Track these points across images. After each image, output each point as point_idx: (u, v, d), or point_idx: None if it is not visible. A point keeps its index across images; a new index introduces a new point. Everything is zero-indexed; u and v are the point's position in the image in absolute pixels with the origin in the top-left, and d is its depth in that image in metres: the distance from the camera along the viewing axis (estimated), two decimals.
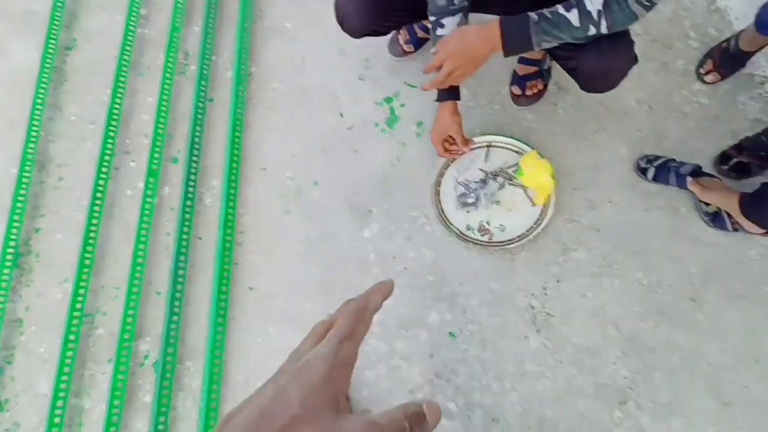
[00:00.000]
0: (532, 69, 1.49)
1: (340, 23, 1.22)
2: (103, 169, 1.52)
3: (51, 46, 1.66)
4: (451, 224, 1.43)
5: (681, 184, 1.36)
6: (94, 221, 1.48)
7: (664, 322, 1.32)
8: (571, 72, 1.14)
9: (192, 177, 1.52)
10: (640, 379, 1.29)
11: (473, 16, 1.12)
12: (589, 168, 1.47)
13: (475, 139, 1.47)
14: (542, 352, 1.33)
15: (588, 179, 1.46)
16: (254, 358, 1.39)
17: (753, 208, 1.22)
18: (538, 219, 1.40)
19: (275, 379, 0.30)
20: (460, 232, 1.42)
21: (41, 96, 1.59)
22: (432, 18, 1.08)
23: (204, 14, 1.71)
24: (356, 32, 1.22)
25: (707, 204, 1.36)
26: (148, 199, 1.48)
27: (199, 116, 1.58)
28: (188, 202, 1.49)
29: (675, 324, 1.32)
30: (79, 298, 1.40)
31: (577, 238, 1.41)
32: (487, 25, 0.99)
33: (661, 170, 1.39)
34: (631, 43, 1.05)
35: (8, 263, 1.42)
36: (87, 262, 1.44)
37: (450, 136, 1.36)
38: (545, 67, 1.51)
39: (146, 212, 1.47)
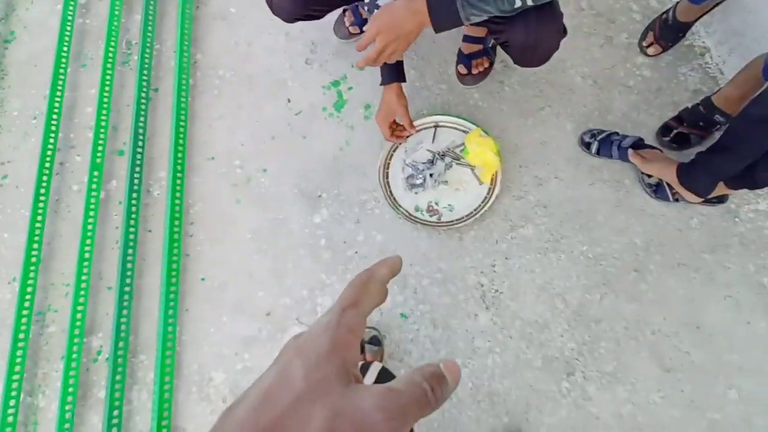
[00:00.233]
0: (476, 47, 1.48)
1: (270, 7, 1.19)
2: (46, 165, 1.50)
3: None
4: (399, 206, 1.43)
5: (623, 157, 1.38)
6: (39, 218, 1.45)
7: (610, 294, 1.35)
8: (504, 46, 1.13)
9: (137, 169, 1.49)
10: (586, 350, 1.31)
11: None
12: (535, 144, 1.48)
13: (423, 120, 1.47)
14: (492, 328, 1.35)
15: (534, 156, 1.47)
16: (208, 348, 1.39)
17: (689, 177, 1.24)
18: (486, 197, 1.41)
19: (277, 360, 0.28)
20: (409, 213, 1.42)
21: None
22: None
23: (144, 1, 1.67)
24: (288, 16, 1.20)
25: (649, 176, 1.38)
26: (93, 194, 1.46)
27: (142, 107, 1.55)
28: (134, 195, 1.47)
29: (620, 295, 1.35)
30: (27, 297, 1.39)
31: (524, 214, 1.43)
32: None
33: (604, 144, 1.40)
34: (559, 15, 1.05)
35: None
36: (33, 260, 1.42)
37: (395, 120, 1.35)
38: (490, 44, 1.50)
39: (91, 207, 1.45)
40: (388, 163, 1.47)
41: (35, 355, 1.41)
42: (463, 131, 1.46)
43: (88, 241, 1.42)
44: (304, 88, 1.60)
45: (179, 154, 1.51)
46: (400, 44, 1.01)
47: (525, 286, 1.37)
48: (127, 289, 1.39)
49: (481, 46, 1.48)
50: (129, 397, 1.36)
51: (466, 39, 1.48)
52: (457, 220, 1.40)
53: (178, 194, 1.48)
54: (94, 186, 1.46)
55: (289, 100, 1.60)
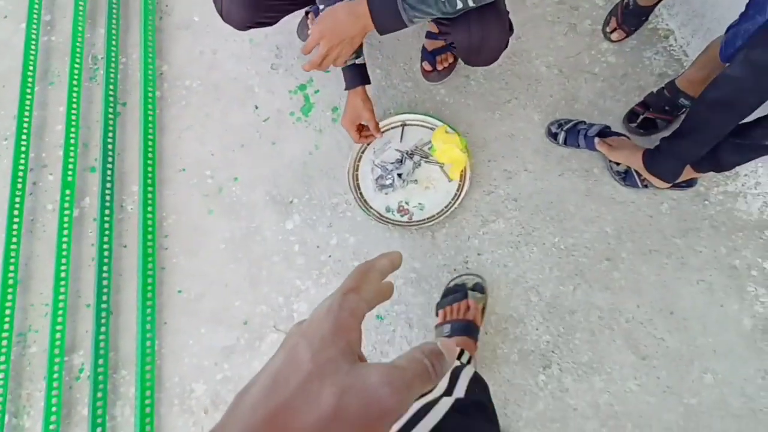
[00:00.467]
0: (439, 43, 1.47)
1: (221, 16, 1.18)
2: (18, 186, 1.50)
3: None
4: (370, 207, 1.43)
5: (590, 146, 1.37)
6: (14, 239, 1.46)
7: (583, 284, 1.35)
8: (452, 48, 1.12)
9: (108, 185, 1.50)
10: (562, 342, 1.32)
11: None
12: (503, 138, 1.47)
13: (389, 119, 1.46)
14: None
15: (503, 149, 1.47)
16: (188, 359, 1.40)
17: (654, 163, 1.24)
18: (456, 194, 1.41)
19: (283, 345, 0.29)
20: (380, 214, 1.42)
21: None
22: (321, 6, 1.06)
23: (107, 14, 1.66)
24: (239, 24, 1.19)
25: (617, 163, 1.37)
26: (66, 212, 1.47)
27: (110, 122, 1.55)
28: (107, 211, 1.47)
29: (593, 284, 1.35)
30: (6, 319, 1.40)
31: (495, 209, 1.42)
32: (357, 2, 0.95)
33: (571, 133, 1.39)
34: (504, 13, 1.04)
35: None
36: (11, 281, 1.43)
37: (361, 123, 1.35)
38: None
39: (65, 225, 1.46)
40: (358, 165, 1.47)
41: (18, 377, 1.42)
42: (431, 128, 1.46)
43: (64, 260, 1.43)
44: (271, 93, 1.60)
45: (149, 168, 1.51)
46: (344, 48, 1.00)
47: (498, 281, 1.37)
48: (104, 305, 1.40)
49: (443, 42, 1.47)
50: (112, 413, 1.37)
51: (429, 35, 1.47)
52: (428, 218, 1.40)
53: (150, 208, 1.48)
54: (66, 204, 1.47)
55: (256, 107, 1.59)
